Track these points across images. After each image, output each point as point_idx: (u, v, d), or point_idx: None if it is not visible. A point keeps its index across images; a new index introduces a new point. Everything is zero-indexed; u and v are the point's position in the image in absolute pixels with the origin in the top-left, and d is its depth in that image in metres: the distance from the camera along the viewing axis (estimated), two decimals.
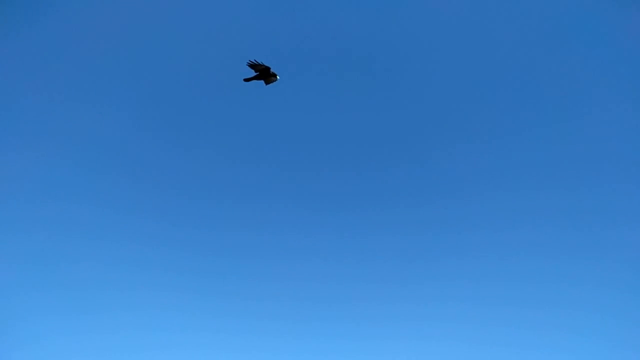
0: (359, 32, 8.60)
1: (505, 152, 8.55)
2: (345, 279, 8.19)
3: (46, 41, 7.71)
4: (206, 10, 8.35)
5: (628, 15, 7.47)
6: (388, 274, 8.21)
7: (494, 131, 8.60)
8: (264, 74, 4.57)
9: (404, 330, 7.64)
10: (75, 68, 8.01)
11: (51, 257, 7.44)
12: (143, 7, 8.11)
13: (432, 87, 8.78)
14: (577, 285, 7.49)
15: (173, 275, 7.94)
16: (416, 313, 7.78)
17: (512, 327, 7.42)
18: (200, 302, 7.77)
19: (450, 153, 8.69)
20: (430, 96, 8.77)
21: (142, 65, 8.36)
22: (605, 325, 7.01)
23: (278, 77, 4.66)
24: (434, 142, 8.74)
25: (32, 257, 7.28)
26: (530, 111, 8.46)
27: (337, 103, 8.94)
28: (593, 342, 6.86)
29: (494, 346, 7.27)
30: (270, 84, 4.74)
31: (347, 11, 8.46)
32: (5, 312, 6.71)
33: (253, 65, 4.45)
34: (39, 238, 7.43)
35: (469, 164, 8.63)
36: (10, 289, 6.88)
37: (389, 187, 8.72)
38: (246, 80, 4.62)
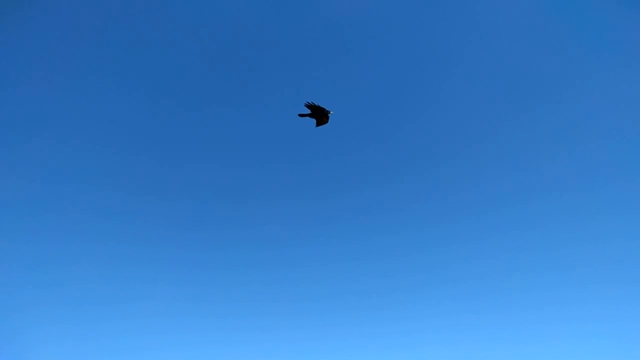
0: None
1: (505, 152, 8.58)
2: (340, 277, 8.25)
3: (44, 41, 7.71)
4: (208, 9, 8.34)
5: (628, 15, 7.47)
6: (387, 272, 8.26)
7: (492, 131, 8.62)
8: (318, 113, 4.91)
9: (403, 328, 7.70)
10: (86, 67, 8.00)
11: (51, 258, 7.48)
12: (142, 7, 8.10)
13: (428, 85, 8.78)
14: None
15: (171, 275, 7.99)
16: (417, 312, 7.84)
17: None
18: (194, 300, 7.81)
19: (452, 152, 8.71)
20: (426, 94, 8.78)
21: (140, 66, 8.36)
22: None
23: (331, 113, 4.95)
24: (433, 140, 8.75)
25: (33, 259, 7.32)
26: (529, 111, 8.48)
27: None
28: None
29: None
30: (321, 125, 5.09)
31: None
32: (6, 312, 6.75)
33: (310, 106, 4.85)
34: (39, 240, 7.47)
35: (469, 164, 8.65)
36: (11, 290, 6.92)
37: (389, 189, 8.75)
38: (301, 115, 5.00)
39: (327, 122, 5.01)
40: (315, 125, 5.05)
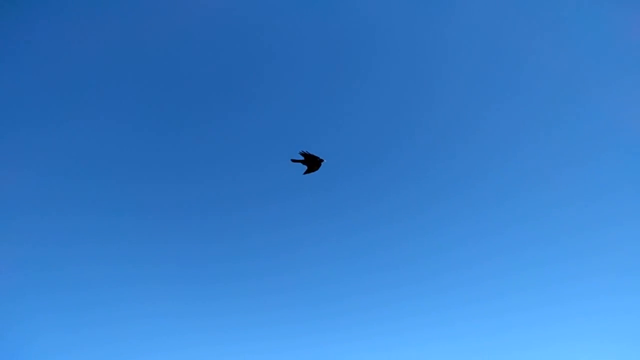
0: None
1: (504, 154, 8.55)
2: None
3: (44, 42, 7.68)
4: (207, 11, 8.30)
5: (628, 15, 7.45)
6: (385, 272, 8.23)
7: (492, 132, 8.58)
8: (311, 162, 4.84)
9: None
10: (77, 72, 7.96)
11: (49, 261, 7.48)
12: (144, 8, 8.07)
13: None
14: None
15: (171, 278, 7.98)
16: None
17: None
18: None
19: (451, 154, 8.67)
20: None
21: (139, 67, 8.34)
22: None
23: (324, 161, 4.88)
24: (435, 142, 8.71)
25: (31, 262, 7.32)
26: (529, 110, 8.45)
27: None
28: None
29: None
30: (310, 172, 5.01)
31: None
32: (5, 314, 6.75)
33: (304, 155, 4.79)
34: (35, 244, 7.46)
35: (469, 165, 8.62)
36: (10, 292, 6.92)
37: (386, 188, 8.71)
38: (293, 160, 4.90)
39: (317, 169, 4.89)
40: (304, 172, 4.92)
